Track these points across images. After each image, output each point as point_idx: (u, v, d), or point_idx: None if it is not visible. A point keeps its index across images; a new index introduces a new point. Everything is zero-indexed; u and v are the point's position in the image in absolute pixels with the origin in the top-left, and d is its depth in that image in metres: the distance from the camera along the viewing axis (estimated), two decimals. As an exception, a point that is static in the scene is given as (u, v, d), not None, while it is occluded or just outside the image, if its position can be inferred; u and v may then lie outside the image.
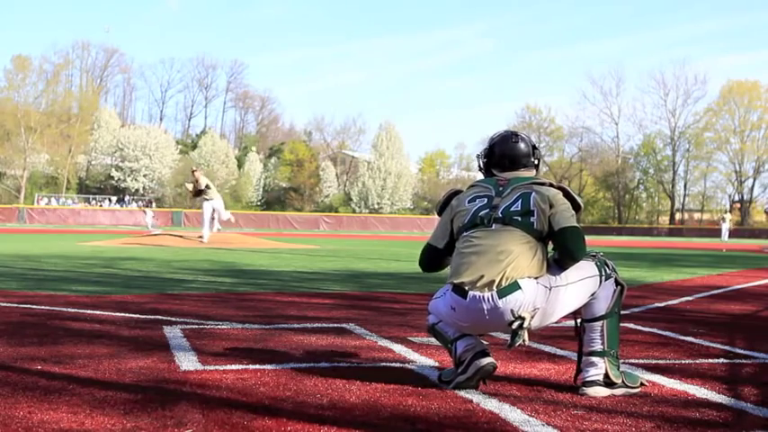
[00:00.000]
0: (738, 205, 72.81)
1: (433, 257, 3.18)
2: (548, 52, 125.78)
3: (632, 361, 3.52)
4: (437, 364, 3.37)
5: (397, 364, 3.37)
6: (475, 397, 2.74)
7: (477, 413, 2.51)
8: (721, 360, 3.65)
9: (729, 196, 74.76)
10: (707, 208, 75.07)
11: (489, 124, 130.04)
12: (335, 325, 4.59)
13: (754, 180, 72.77)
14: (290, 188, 75.11)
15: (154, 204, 64.03)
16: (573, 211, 2.99)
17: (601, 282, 2.93)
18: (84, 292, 6.35)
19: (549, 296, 2.83)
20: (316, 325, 4.59)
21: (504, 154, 3.18)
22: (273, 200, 74.78)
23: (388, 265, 11.63)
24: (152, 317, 4.78)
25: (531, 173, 3.18)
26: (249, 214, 58.70)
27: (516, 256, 2.83)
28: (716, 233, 51.39)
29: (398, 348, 3.78)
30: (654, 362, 3.52)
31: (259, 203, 73.59)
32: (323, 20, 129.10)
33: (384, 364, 3.39)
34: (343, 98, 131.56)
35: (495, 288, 2.80)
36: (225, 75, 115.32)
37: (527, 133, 3.31)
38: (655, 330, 4.58)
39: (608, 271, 2.97)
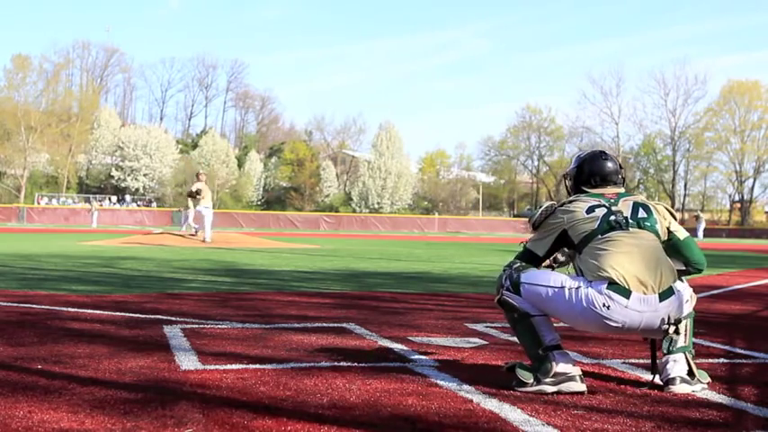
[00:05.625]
0: (738, 205, 72.81)
1: (529, 261, 3.15)
2: (548, 52, 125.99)
3: (632, 361, 3.52)
4: (437, 364, 3.37)
5: (397, 364, 3.37)
6: (475, 397, 2.74)
7: (477, 413, 2.51)
8: (721, 360, 3.65)
9: (730, 196, 74.80)
10: (707, 208, 75.03)
11: (489, 124, 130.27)
12: (335, 325, 4.59)
13: (755, 180, 72.80)
14: (290, 188, 75.10)
15: (155, 204, 64.05)
16: None
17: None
18: (84, 291, 6.35)
19: (681, 300, 2.94)
20: (316, 325, 4.59)
21: (593, 171, 3.23)
22: (274, 199, 74.77)
23: (388, 264, 11.63)
24: (152, 316, 4.78)
25: (621, 190, 3.23)
26: (249, 214, 58.69)
27: (664, 259, 2.96)
28: (717, 233, 51.41)
29: (398, 348, 3.78)
30: (654, 362, 3.52)
31: (259, 203, 73.59)
32: (323, 20, 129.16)
33: (384, 364, 3.39)
34: (344, 98, 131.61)
35: (657, 291, 2.87)
36: (225, 74, 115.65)
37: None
38: (655, 330, 4.57)
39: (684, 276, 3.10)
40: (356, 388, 2.85)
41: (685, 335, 3.00)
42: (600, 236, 2.97)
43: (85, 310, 5.05)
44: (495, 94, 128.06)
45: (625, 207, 3.06)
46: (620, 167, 3.29)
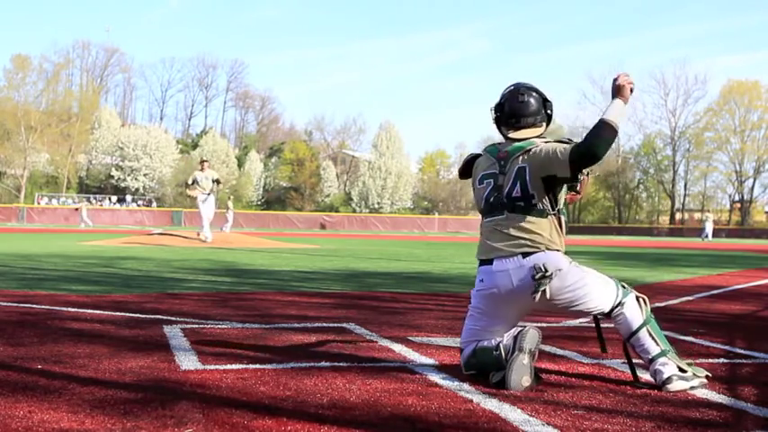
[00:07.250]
0: (738, 205, 72.80)
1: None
2: (548, 52, 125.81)
3: (633, 361, 3.52)
4: (437, 364, 3.37)
5: (397, 364, 3.37)
6: (475, 397, 2.74)
7: (477, 413, 2.51)
8: (721, 360, 3.65)
9: (730, 196, 74.79)
10: (707, 208, 75.03)
11: (489, 124, 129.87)
12: (335, 325, 4.59)
13: (755, 180, 72.75)
14: (290, 188, 75.09)
15: (155, 204, 64.02)
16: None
17: (617, 292, 3.02)
18: (84, 291, 6.35)
19: (571, 268, 2.96)
20: (316, 325, 4.59)
21: (512, 112, 3.16)
22: (274, 199, 74.76)
23: (388, 264, 11.63)
24: (152, 316, 4.78)
25: (539, 130, 3.16)
26: (249, 214, 58.68)
27: (533, 233, 2.99)
28: (717, 233, 51.59)
29: (398, 348, 3.78)
30: (654, 362, 3.52)
31: (259, 203, 73.61)
32: (323, 20, 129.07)
33: (384, 364, 3.39)
34: (344, 98, 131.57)
35: (519, 253, 2.97)
36: (225, 74, 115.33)
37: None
38: (655, 330, 4.57)
39: (623, 284, 3.08)
40: (356, 388, 2.85)
41: (654, 340, 2.99)
42: (483, 218, 3.16)
43: (85, 310, 5.05)
44: (495, 94, 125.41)
45: (509, 177, 3.05)
46: (546, 101, 3.17)
